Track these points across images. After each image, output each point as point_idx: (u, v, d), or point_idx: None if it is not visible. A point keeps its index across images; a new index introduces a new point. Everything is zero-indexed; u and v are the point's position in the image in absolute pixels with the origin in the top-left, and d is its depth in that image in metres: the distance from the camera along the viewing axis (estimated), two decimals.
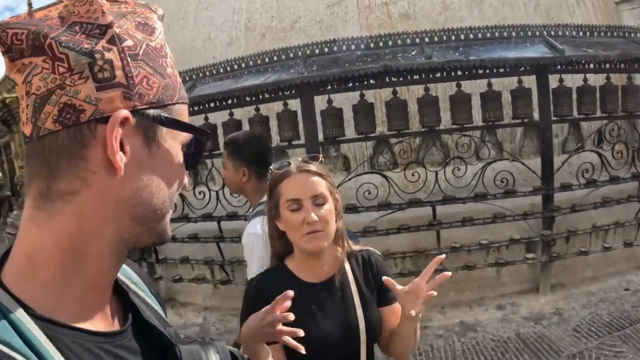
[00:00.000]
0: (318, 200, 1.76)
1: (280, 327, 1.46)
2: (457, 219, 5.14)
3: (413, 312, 1.63)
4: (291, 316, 1.44)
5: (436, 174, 5.13)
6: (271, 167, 1.89)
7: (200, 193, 5.65)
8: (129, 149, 0.75)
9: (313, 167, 1.81)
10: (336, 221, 1.83)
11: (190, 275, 5.89)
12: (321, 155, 1.90)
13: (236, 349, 1.06)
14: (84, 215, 0.74)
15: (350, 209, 5.10)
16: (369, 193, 5.01)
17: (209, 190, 5.64)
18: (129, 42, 0.75)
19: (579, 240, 5.50)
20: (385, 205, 5.10)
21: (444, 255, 1.64)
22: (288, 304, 1.46)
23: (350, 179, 5.23)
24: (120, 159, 0.73)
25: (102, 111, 0.72)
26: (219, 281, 5.68)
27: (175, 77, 0.83)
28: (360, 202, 5.10)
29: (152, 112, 0.77)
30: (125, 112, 0.73)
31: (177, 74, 0.85)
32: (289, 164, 1.83)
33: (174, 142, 0.81)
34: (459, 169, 5.15)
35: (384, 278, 1.69)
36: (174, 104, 0.81)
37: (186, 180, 0.88)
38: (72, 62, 0.71)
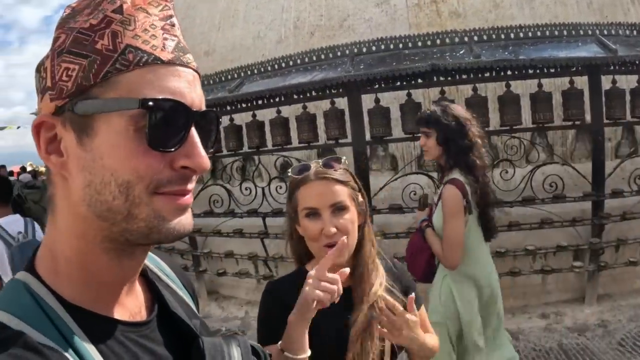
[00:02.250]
0: (337, 209, 1.67)
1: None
2: (504, 223, 5.01)
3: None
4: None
5: None
6: (290, 170, 1.79)
7: (246, 189, 5.74)
8: (64, 148, 0.76)
9: (333, 172, 1.70)
10: (361, 224, 1.75)
11: (234, 270, 6.00)
12: (344, 158, 1.79)
13: (258, 344, 1.05)
14: (63, 217, 0.79)
15: (396, 208, 5.09)
16: (415, 194, 4.98)
17: (255, 186, 5.73)
18: (60, 40, 0.75)
19: (628, 249, 5.31)
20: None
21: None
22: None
23: (396, 179, 5.20)
24: (55, 162, 0.76)
25: (43, 121, 0.76)
26: (262, 276, 5.76)
27: (115, 45, 0.73)
28: (406, 202, 5.06)
29: (69, 105, 0.73)
30: (40, 119, 0.75)
31: (128, 38, 0.74)
32: (309, 168, 1.72)
33: (111, 126, 0.73)
34: (507, 172, 5.06)
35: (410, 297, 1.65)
36: (104, 78, 0.72)
37: (191, 161, 0.77)
38: (36, 83, 0.78)
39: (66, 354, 0.69)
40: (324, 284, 1.41)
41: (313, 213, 1.67)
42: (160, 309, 0.92)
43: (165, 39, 0.77)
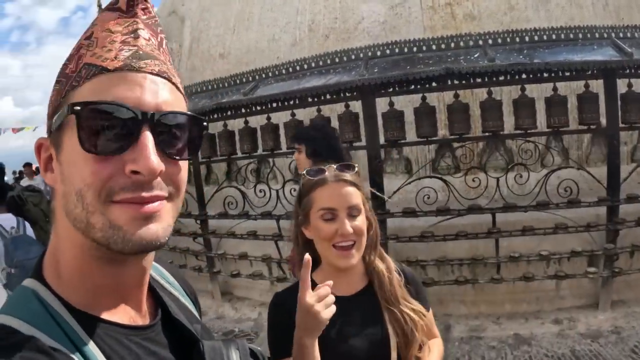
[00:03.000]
0: (353, 212, 1.70)
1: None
2: (518, 227, 5.00)
3: None
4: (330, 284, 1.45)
5: (497, 180, 5.02)
6: (304, 172, 1.81)
7: (260, 191, 5.78)
8: (54, 166, 0.82)
9: (349, 176, 1.74)
10: (369, 232, 1.77)
11: (248, 271, 6.02)
12: (356, 164, 1.83)
13: (257, 348, 1.06)
14: (60, 226, 0.84)
15: (409, 212, 5.09)
16: (429, 197, 4.98)
17: (270, 188, 5.75)
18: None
19: None
20: (445, 211, 5.04)
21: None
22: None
23: (410, 183, 5.20)
24: (50, 178, 0.83)
25: (40, 143, 0.86)
26: (275, 278, 5.78)
27: (76, 65, 0.80)
28: (420, 206, 5.07)
29: (50, 125, 0.82)
30: (38, 141, 0.85)
31: (91, 56, 0.79)
32: (324, 171, 1.75)
33: (69, 140, 0.77)
34: (521, 176, 5.04)
35: None
36: (64, 97, 0.80)
37: (139, 164, 0.75)
38: None
39: (74, 357, 0.73)
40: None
41: (330, 214, 1.70)
42: (163, 315, 0.95)
43: (121, 50, 0.79)
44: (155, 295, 0.98)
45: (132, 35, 0.81)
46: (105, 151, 0.74)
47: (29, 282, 0.82)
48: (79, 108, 0.73)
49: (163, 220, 0.79)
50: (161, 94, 0.80)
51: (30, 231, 5.15)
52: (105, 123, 0.74)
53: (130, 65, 0.78)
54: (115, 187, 0.75)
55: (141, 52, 0.80)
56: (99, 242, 0.76)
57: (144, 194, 0.76)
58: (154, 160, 0.75)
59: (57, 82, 0.82)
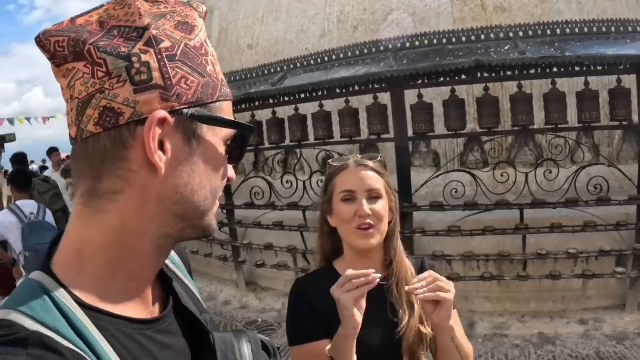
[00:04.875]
0: (373, 195, 1.73)
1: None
2: (546, 224, 4.93)
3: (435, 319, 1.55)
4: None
5: (526, 176, 4.96)
6: (330, 161, 1.88)
7: (287, 182, 5.80)
8: (169, 148, 0.77)
9: (371, 163, 1.78)
10: (390, 222, 1.78)
11: (273, 262, 6.05)
12: (380, 155, 1.86)
13: (267, 339, 1.06)
14: (128, 214, 0.78)
15: (437, 206, 5.05)
16: (456, 192, 4.94)
17: (297, 179, 5.77)
18: (166, 44, 0.77)
19: None
20: (472, 205, 4.99)
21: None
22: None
23: (438, 176, 5.17)
24: (160, 158, 0.76)
25: (140, 113, 0.74)
26: (300, 269, 5.79)
27: (217, 75, 0.84)
28: (447, 200, 5.03)
29: (191, 111, 0.78)
30: (162, 114, 0.74)
31: (220, 71, 0.86)
32: (349, 158, 1.81)
33: (215, 139, 0.83)
34: (551, 172, 4.97)
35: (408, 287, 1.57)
36: (215, 102, 0.82)
37: (232, 173, 0.91)
38: (110, 67, 0.74)
39: (83, 354, 0.70)
40: (352, 281, 1.43)
41: (350, 196, 1.73)
42: (174, 303, 0.93)
43: (219, 73, 0.88)
44: (165, 282, 0.95)
45: (213, 57, 0.86)
46: (234, 163, 0.91)
47: (36, 275, 0.78)
48: (241, 130, 0.88)
49: None
50: None
51: (50, 218, 5.55)
52: (243, 142, 0.92)
53: (230, 96, 0.89)
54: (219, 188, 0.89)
55: (222, 76, 0.88)
56: (200, 229, 0.87)
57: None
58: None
59: (192, 68, 0.79)
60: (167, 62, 0.76)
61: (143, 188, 0.78)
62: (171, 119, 0.76)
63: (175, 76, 0.76)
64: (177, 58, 0.77)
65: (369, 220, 1.69)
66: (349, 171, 1.76)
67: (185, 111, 0.77)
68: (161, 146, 0.76)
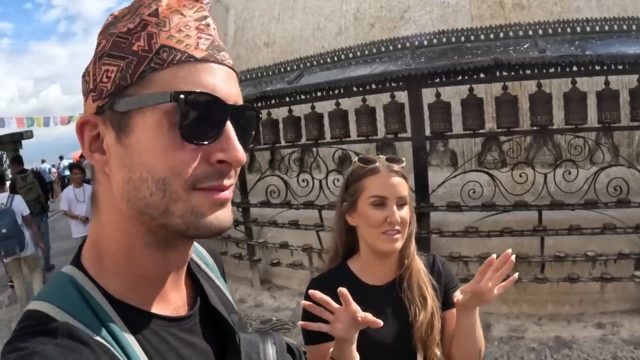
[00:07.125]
0: (401, 202, 1.77)
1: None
2: (564, 226, 4.85)
3: (460, 297, 1.63)
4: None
5: (545, 177, 4.89)
6: (356, 159, 1.87)
7: (303, 181, 5.78)
8: (106, 147, 0.78)
9: (400, 168, 1.80)
10: (410, 225, 1.82)
11: (288, 260, 6.06)
12: (403, 158, 1.87)
13: (294, 342, 1.07)
14: (105, 212, 0.82)
15: (454, 206, 5.01)
16: (474, 192, 4.88)
17: (313, 178, 5.75)
18: (101, 44, 0.79)
19: None
20: (490, 206, 4.93)
21: (494, 256, 1.58)
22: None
23: (456, 176, 5.12)
24: (98, 159, 0.80)
25: (87, 120, 0.80)
26: (315, 268, 5.77)
27: (153, 45, 0.76)
28: (465, 200, 4.98)
29: (109, 103, 0.76)
30: (83, 118, 0.80)
31: (165, 38, 0.76)
32: (376, 161, 1.81)
33: (146, 123, 0.75)
34: (570, 173, 4.89)
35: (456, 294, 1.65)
36: (138, 79, 0.75)
37: (232, 154, 0.77)
38: (82, 87, 0.83)
39: (109, 347, 0.72)
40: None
41: (380, 202, 1.75)
42: (201, 302, 0.94)
43: (199, 37, 0.79)
44: (196, 281, 0.97)
45: (203, 22, 0.80)
46: (202, 141, 0.75)
47: (68, 269, 0.82)
48: (183, 97, 0.73)
49: (230, 206, 0.83)
50: (236, 88, 0.82)
51: (16, 204, 7.23)
52: (204, 113, 0.75)
53: (213, 56, 0.79)
54: (200, 175, 0.76)
55: (216, 44, 0.81)
56: (176, 228, 0.77)
57: (225, 182, 0.79)
58: (241, 150, 0.78)
59: (116, 56, 0.76)
60: (97, 62, 0.79)
61: (105, 189, 0.82)
62: (96, 119, 0.79)
63: (99, 73, 0.78)
64: (105, 54, 0.78)
65: (397, 227, 1.73)
66: (380, 176, 1.78)
67: (105, 105, 0.77)
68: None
